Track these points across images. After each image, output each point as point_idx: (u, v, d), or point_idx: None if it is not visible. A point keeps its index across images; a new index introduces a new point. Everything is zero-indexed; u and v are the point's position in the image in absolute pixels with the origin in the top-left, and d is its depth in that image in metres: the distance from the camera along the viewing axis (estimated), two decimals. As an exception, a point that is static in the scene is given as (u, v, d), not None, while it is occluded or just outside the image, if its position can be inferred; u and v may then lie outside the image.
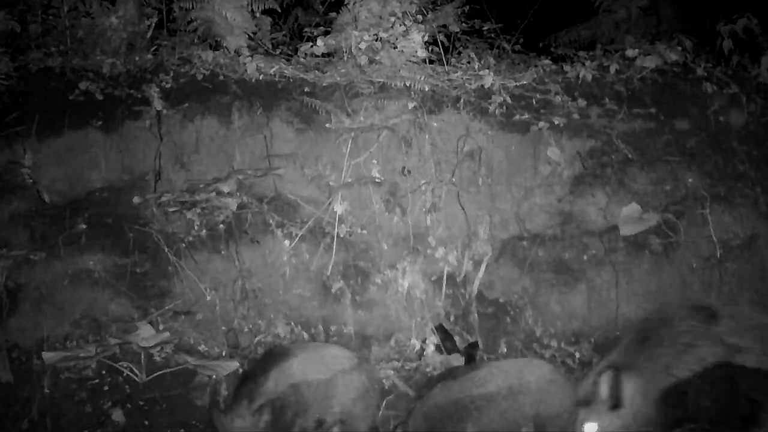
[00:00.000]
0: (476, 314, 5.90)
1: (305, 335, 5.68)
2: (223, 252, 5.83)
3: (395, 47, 6.42)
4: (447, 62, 6.69)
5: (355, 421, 4.37)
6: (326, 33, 6.69)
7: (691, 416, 3.65)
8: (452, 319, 5.90)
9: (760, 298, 5.94)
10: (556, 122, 6.18)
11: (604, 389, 3.59)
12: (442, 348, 5.67)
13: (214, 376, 5.25)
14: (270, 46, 7.18)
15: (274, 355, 4.53)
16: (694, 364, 3.68)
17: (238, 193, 5.85)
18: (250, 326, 5.67)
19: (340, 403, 4.31)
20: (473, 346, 5.72)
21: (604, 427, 3.58)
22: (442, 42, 6.75)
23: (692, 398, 3.65)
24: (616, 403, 3.59)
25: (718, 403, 3.66)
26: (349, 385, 4.35)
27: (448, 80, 6.44)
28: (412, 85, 6.20)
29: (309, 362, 4.37)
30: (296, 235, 5.88)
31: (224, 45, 6.66)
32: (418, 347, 5.71)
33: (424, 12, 6.75)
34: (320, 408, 4.26)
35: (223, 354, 5.51)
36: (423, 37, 6.43)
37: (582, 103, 6.31)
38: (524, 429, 4.20)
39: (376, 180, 6.05)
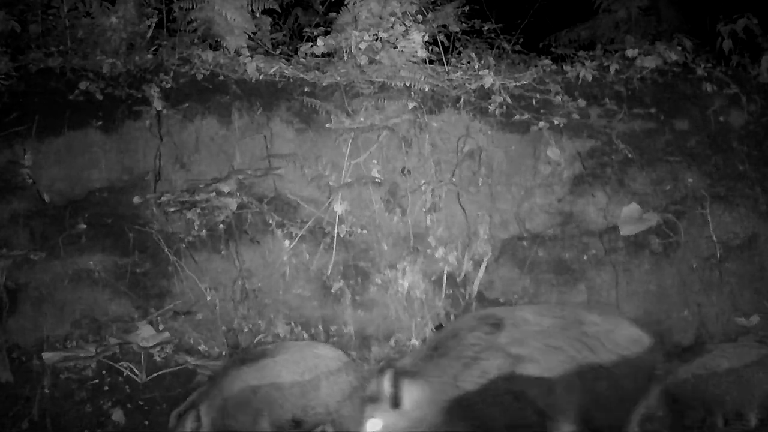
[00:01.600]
0: (476, 314, 5.90)
1: (305, 335, 5.68)
2: (223, 252, 5.83)
3: (395, 47, 6.42)
4: (447, 62, 6.69)
5: (345, 422, 4.38)
6: (326, 33, 6.69)
7: (480, 429, 3.63)
8: (452, 319, 5.89)
9: (760, 298, 5.94)
10: (556, 122, 6.18)
11: (386, 388, 3.58)
12: (442, 348, 5.66)
13: (214, 376, 5.24)
14: (270, 46, 7.18)
15: (245, 356, 4.55)
16: (480, 377, 3.64)
17: (238, 193, 5.84)
18: (250, 326, 5.67)
19: (325, 404, 4.32)
20: (473, 346, 5.71)
21: (388, 425, 3.57)
22: (442, 42, 6.75)
23: (479, 411, 3.63)
24: (395, 403, 3.58)
25: (506, 415, 3.64)
26: (334, 386, 4.36)
27: (448, 80, 6.44)
28: (412, 85, 6.20)
29: (287, 363, 4.37)
30: (296, 235, 5.88)
31: (224, 45, 6.65)
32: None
33: (424, 12, 6.75)
34: (296, 408, 4.27)
35: (223, 354, 5.52)
36: (423, 37, 6.43)
37: (582, 103, 6.31)
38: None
39: (376, 180, 6.05)
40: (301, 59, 6.64)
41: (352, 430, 4.27)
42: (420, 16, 6.61)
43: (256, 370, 4.29)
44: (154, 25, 6.85)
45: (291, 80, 6.33)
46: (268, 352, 4.46)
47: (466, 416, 3.64)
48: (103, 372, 5.28)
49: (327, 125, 6.12)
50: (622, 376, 3.88)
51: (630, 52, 6.52)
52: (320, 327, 5.77)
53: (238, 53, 6.55)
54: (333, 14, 6.98)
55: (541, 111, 6.27)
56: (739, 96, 6.45)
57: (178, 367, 5.25)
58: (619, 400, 3.87)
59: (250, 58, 6.42)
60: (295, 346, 4.77)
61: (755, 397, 4.42)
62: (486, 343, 3.74)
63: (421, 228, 6.08)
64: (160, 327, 5.50)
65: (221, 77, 6.29)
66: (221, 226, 5.83)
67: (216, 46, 6.69)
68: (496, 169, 6.23)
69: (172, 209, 5.82)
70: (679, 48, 6.54)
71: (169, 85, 6.16)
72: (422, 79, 6.24)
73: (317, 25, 6.84)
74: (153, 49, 6.62)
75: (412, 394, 3.61)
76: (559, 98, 6.32)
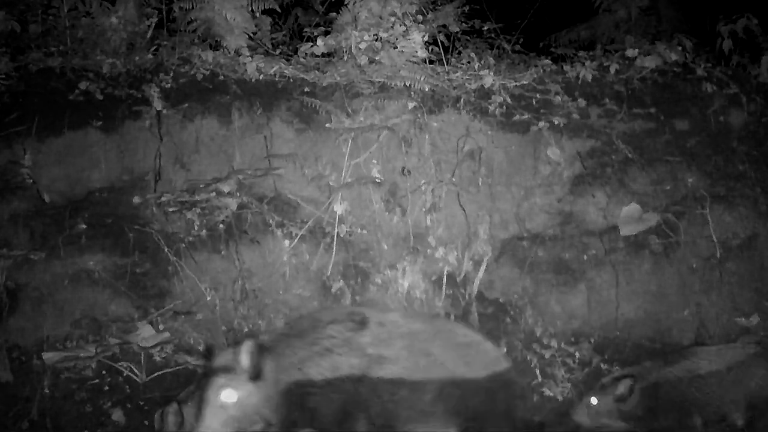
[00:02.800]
0: (476, 314, 5.90)
1: (305, 335, 5.68)
2: (223, 252, 5.83)
3: (395, 47, 6.41)
4: (447, 62, 6.69)
5: None
6: (326, 33, 6.69)
7: (310, 418, 3.58)
8: (452, 319, 5.89)
9: (760, 298, 5.94)
10: (556, 122, 6.18)
11: (244, 359, 3.49)
12: (442, 348, 5.67)
13: (214, 376, 5.23)
14: (270, 46, 7.18)
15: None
16: (328, 370, 3.59)
17: (238, 193, 5.84)
18: (250, 326, 5.67)
19: None
20: (473, 346, 5.72)
21: (242, 396, 3.47)
22: (442, 42, 6.75)
23: (316, 401, 3.57)
24: (256, 375, 3.49)
25: (341, 414, 3.59)
26: None
27: (448, 80, 6.44)
28: (412, 85, 6.20)
29: None
30: (296, 235, 5.88)
31: (224, 45, 6.65)
32: (418, 347, 5.70)
33: (424, 12, 6.75)
34: None
35: (223, 354, 5.51)
36: (423, 37, 6.43)
37: (582, 103, 6.31)
38: None
39: (376, 180, 6.05)
40: (301, 59, 6.64)
41: None
42: (420, 16, 6.61)
43: None
44: (154, 25, 6.85)
45: (291, 80, 6.33)
46: None
47: (302, 403, 3.56)
48: (103, 372, 5.28)
49: (327, 125, 6.12)
50: (494, 393, 3.89)
51: (630, 52, 6.52)
52: (320, 327, 5.76)
53: (238, 53, 6.55)
54: (333, 14, 6.98)
55: (541, 111, 6.27)
56: (739, 96, 6.45)
57: (178, 367, 5.25)
58: (492, 415, 3.87)
59: (250, 58, 6.42)
60: None
61: (741, 398, 4.40)
62: (344, 339, 3.69)
63: (421, 228, 6.08)
64: (160, 327, 5.50)
65: (221, 77, 6.29)
66: (221, 226, 5.83)
67: (216, 46, 6.69)
68: (496, 169, 6.23)
69: (172, 209, 5.82)
70: (679, 48, 6.54)
71: (169, 85, 6.16)
72: (422, 79, 6.24)
73: (317, 25, 6.84)
74: (153, 49, 6.62)
75: (266, 369, 3.53)
76: (559, 98, 6.32)
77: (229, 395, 3.48)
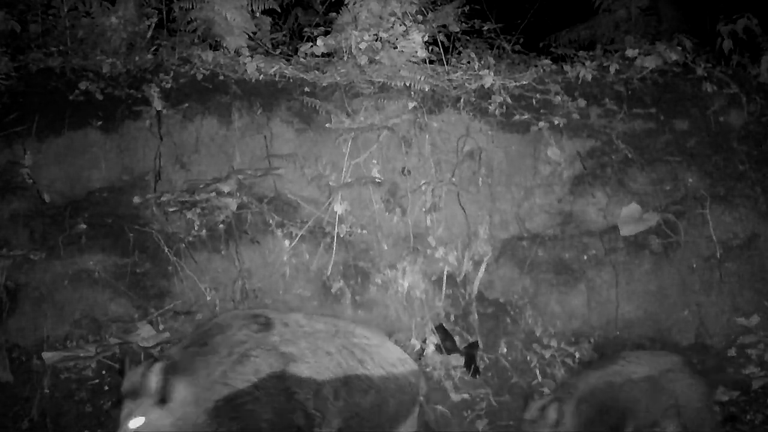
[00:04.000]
0: (476, 314, 5.90)
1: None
2: (223, 252, 5.83)
3: (395, 47, 6.41)
4: (447, 62, 6.69)
5: None
6: (326, 33, 6.69)
7: (248, 428, 3.54)
8: (452, 319, 5.89)
9: (760, 298, 5.94)
10: (556, 122, 6.18)
11: (152, 382, 3.41)
12: (442, 348, 5.68)
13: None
14: (270, 46, 7.18)
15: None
16: (251, 374, 3.56)
17: (238, 193, 5.84)
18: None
19: None
20: (473, 346, 5.72)
21: (152, 421, 3.40)
22: (442, 42, 6.75)
23: (250, 410, 3.53)
24: (163, 398, 3.41)
25: (277, 416, 3.57)
26: None
27: (448, 80, 6.44)
28: (412, 85, 6.20)
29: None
30: (296, 235, 5.88)
31: (224, 45, 6.66)
32: (418, 347, 5.70)
33: (424, 12, 6.75)
34: None
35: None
36: (423, 37, 6.43)
37: (582, 103, 6.31)
38: None
39: (376, 180, 6.05)
40: (301, 59, 6.64)
41: None
42: (420, 16, 6.61)
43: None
44: (154, 25, 6.86)
45: (291, 80, 6.33)
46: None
47: (236, 416, 3.52)
48: (103, 372, 5.28)
49: (327, 125, 6.13)
50: (388, 393, 3.87)
51: (630, 52, 6.52)
52: (320, 327, 5.77)
53: (238, 53, 6.55)
54: (333, 14, 6.99)
55: (541, 111, 6.27)
56: (739, 96, 6.45)
57: (178, 367, 5.24)
58: (382, 417, 3.85)
59: (250, 58, 6.42)
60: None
61: (671, 405, 4.36)
62: (256, 341, 3.67)
63: (421, 228, 6.08)
64: (160, 327, 5.50)
65: (221, 77, 6.29)
66: (221, 226, 5.83)
67: (216, 46, 6.70)
68: (496, 169, 6.23)
69: (172, 209, 5.82)
70: (679, 48, 6.54)
71: (169, 85, 6.16)
72: (422, 79, 6.24)
73: (317, 25, 6.84)
74: (153, 49, 6.62)
75: (179, 390, 3.46)
76: (559, 98, 6.32)
77: (137, 423, 3.41)
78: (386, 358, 3.98)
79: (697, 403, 4.46)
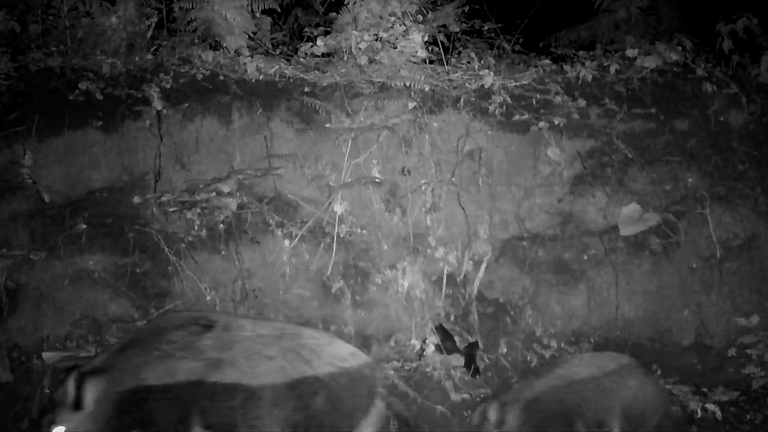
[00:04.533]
0: (476, 314, 5.90)
1: (305, 335, 5.68)
2: (223, 252, 5.83)
3: (395, 47, 6.41)
4: (447, 62, 6.69)
5: None
6: (326, 33, 6.69)
7: (146, 423, 3.47)
8: (452, 319, 5.90)
9: (760, 298, 5.94)
10: (556, 122, 6.18)
11: (70, 390, 3.41)
12: (442, 348, 5.68)
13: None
14: (270, 46, 7.18)
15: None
16: (166, 375, 3.48)
17: (238, 193, 5.84)
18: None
19: None
20: (473, 346, 5.72)
21: (71, 428, 3.39)
22: (442, 42, 6.75)
23: (150, 406, 3.46)
24: (77, 404, 3.40)
25: (177, 419, 3.49)
26: None
27: (448, 80, 6.44)
28: (412, 85, 6.20)
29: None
30: (296, 235, 5.88)
31: (224, 45, 6.65)
32: (418, 347, 5.71)
33: (424, 12, 6.75)
34: None
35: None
36: (423, 37, 6.43)
37: (582, 103, 6.31)
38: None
39: (376, 180, 6.05)
40: (301, 59, 6.64)
41: None
42: (420, 16, 6.61)
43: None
44: (154, 25, 6.85)
45: (291, 80, 6.33)
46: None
47: (137, 409, 3.46)
48: (103, 372, 5.27)
49: (327, 125, 6.12)
50: (340, 389, 3.75)
51: (630, 52, 6.52)
52: (320, 327, 5.77)
53: (238, 53, 6.55)
54: (333, 14, 6.98)
55: (541, 111, 6.26)
56: (739, 96, 6.44)
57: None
58: (337, 415, 3.74)
59: (250, 58, 6.42)
60: None
61: (616, 406, 4.33)
62: (185, 343, 3.60)
63: (421, 228, 6.08)
64: (160, 327, 5.49)
65: (221, 77, 6.29)
66: (221, 226, 5.83)
67: (216, 46, 6.69)
68: (496, 169, 6.23)
69: (172, 209, 5.82)
70: (679, 48, 6.54)
71: (169, 85, 6.16)
72: (422, 79, 6.24)
73: (317, 25, 6.84)
74: (153, 49, 6.61)
75: (94, 391, 3.43)
76: (559, 98, 6.31)
77: (58, 431, 3.42)
78: (336, 354, 3.86)
79: (646, 404, 4.44)
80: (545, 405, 4.21)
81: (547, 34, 8.11)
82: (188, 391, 3.49)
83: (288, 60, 6.74)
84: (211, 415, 3.52)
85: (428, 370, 5.52)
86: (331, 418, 3.72)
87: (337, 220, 5.92)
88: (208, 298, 5.70)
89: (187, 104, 6.12)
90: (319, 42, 6.49)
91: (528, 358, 5.70)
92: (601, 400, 4.32)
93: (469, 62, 6.70)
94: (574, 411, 4.23)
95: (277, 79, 6.32)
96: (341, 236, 5.92)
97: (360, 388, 3.86)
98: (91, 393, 3.42)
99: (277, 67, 6.41)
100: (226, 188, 5.77)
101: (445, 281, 5.94)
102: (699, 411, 5.09)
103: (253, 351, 3.66)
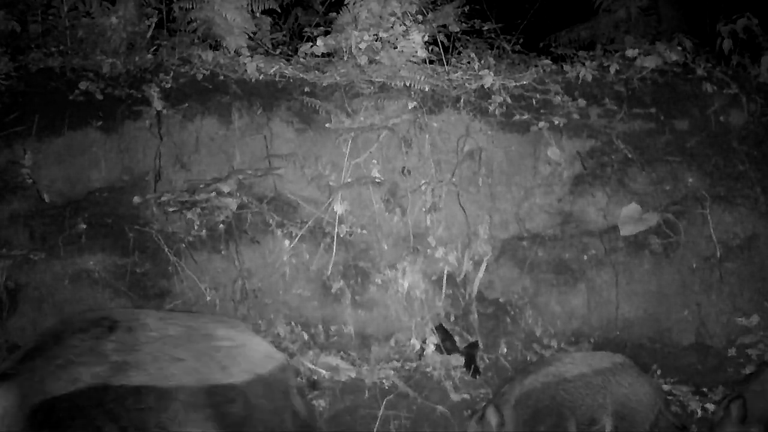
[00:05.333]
0: (476, 314, 5.90)
1: (305, 335, 5.69)
2: (223, 252, 5.83)
3: (395, 47, 6.41)
4: (447, 62, 6.69)
5: None
6: (326, 33, 6.69)
7: None
8: (452, 319, 5.90)
9: (760, 298, 5.94)
10: (556, 122, 6.18)
11: None
12: (442, 348, 5.68)
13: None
14: (270, 46, 7.18)
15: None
16: (70, 383, 3.35)
17: (238, 193, 5.85)
18: (250, 326, 5.66)
19: None
20: (473, 346, 5.72)
21: None
22: (442, 42, 6.75)
23: (59, 417, 3.34)
24: None
25: (88, 427, 3.36)
26: None
27: (448, 80, 6.44)
28: (412, 85, 6.20)
29: None
30: (296, 235, 5.88)
31: (224, 45, 6.65)
32: (418, 347, 5.71)
33: (424, 12, 6.75)
34: None
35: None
36: (423, 37, 6.42)
37: (582, 103, 6.31)
38: None
39: (376, 180, 6.05)
40: (301, 59, 6.64)
41: None
42: (420, 16, 6.61)
43: None
44: (154, 25, 6.85)
45: (291, 80, 6.33)
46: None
47: (52, 425, 3.35)
48: (103, 372, 5.27)
49: (327, 125, 6.13)
50: (257, 396, 3.66)
51: (630, 52, 6.52)
52: (320, 327, 5.77)
53: (238, 53, 6.55)
54: (333, 14, 6.99)
55: (541, 111, 6.26)
56: (739, 96, 6.44)
57: (177, 367, 5.23)
58: (254, 422, 3.65)
59: (250, 58, 6.43)
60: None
61: (608, 403, 4.33)
62: (87, 348, 3.50)
63: (421, 228, 6.08)
64: (160, 327, 5.49)
65: (221, 77, 6.29)
66: (221, 226, 5.83)
67: (216, 46, 6.69)
68: (496, 169, 6.23)
69: (172, 209, 5.82)
70: (679, 48, 6.54)
71: (169, 85, 6.16)
72: (422, 79, 6.24)
73: (317, 25, 6.84)
74: (153, 49, 6.62)
75: (5, 397, 3.35)
76: (559, 98, 6.31)
77: None
78: (252, 359, 3.77)
79: (639, 403, 4.44)
80: (536, 401, 4.22)
81: (547, 34, 8.11)
82: (95, 396, 3.39)
83: (288, 60, 6.74)
84: (122, 418, 3.41)
85: (428, 370, 5.52)
86: (247, 425, 3.62)
87: (337, 220, 5.93)
88: (208, 298, 5.70)
89: (187, 104, 6.12)
90: (319, 42, 6.49)
91: (528, 358, 5.69)
92: (592, 397, 4.32)
93: (469, 62, 6.70)
94: (565, 407, 4.24)
95: (277, 79, 6.32)
96: (341, 236, 5.92)
97: (275, 393, 3.78)
98: (5, 400, 3.35)
99: (277, 67, 6.41)
100: (226, 188, 5.78)
101: (445, 281, 5.94)
102: (699, 411, 5.08)
103: (161, 352, 3.57)
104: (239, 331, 4.02)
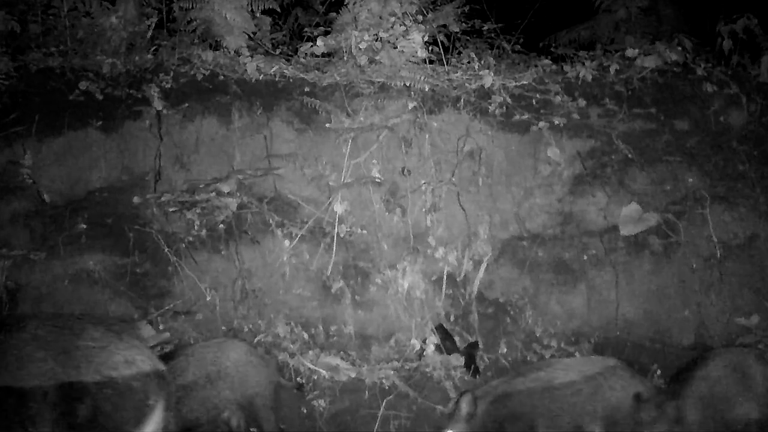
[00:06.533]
0: (476, 314, 5.90)
1: (305, 335, 5.69)
2: (223, 252, 5.83)
3: (395, 47, 6.42)
4: (447, 62, 6.69)
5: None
6: (326, 33, 6.69)
7: None
8: (452, 319, 5.90)
9: (760, 298, 5.94)
10: (556, 122, 6.18)
11: None
12: (442, 348, 5.68)
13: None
14: (270, 46, 7.18)
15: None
16: None
17: (238, 193, 5.85)
18: (250, 326, 5.67)
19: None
20: (473, 346, 5.72)
21: None
22: (442, 42, 6.75)
23: None
24: None
25: None
26: None
27: (448, 80, 6.44)
28: (412, 85, 6.20)
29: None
30: (296, 235, 5.88)
31: (224, 45, 6.66)
32: (418, 347, 5.71)
33: (424, 12, 6.75)
34: None
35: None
36: (423, 37, 6.43)
37: (582, 103, 6.31)
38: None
39: (376, 180, 6.06)
40: (301, 59, 6.64)
41: None
42: (420, 16, 6.61)
43: None
44: (154, 25, 6.85)
45: (291, 80, 6.34)
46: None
47: None
48: (103, 372, 5.27)
49: (327, 125, 6.13)
50: (105, 399, 3.63)
51: (630, 52, 6.52)
52: (320, 327, 5.77)
53: (238, 53, 6.56)
54: (333, 14, 6.98)
55: (541, 111, 6.27)
56: (739, 96, 6.45)
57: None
58: (103, 427, 3.62)
59: (250, 58, 6.43)
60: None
61: (598, 409, 4.34)
62: None
63: (421, 228, 6.08)
64: (160, 327, 5.50)
65: (221, 77, 6.29)
66: (221, 226, 5.83)
67: (216, 46, 6.70)
68: (496, 169, 6.23)
69: (172, 209, 5.82)
70: (679, 48, 6.54)
71: (169, 85, 6.17)
72: (422, 79, 6.24)
73: (317, 25, 6.85)
74: (153, 49, 6.62)
75: None
76: (559, 98, 6.32)
77: None
78: (107, 361, 3.72)
79: (631, 408, 4.43)
80: (515, 404, 4.22)
81: (547, 34, 8.11)
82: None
83: (288, 60, 6.74)
84: None
85: (428, 370, 5.52)
86: (95, 426, 3.61)
87: (337, 220, 5.93)
88: (208, 298, 5.70)
89: (187, 104, 6.13)
90: (319, 42, 6.50)
91: (528, 358, 5.69)
92: (581, 405, 4.32)
93: (469, 62, 6.70)
94: (541, 415, 4.23)
95: (277, 79, 6.32)
96: (341, 236, 5.92)
97: (126, 401, 3.72)
98: None
99: (277, 67, 6.41)
100: (226, 188, 5.78)
101: (445, 281, 5.94)
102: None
103: (26, 353, 3.59)
104: (110, 334, 3.94)
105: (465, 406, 4.18)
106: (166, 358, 4.43)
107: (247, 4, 6.87)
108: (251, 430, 4.38)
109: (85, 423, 3.58)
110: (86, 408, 3.59)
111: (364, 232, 6.03)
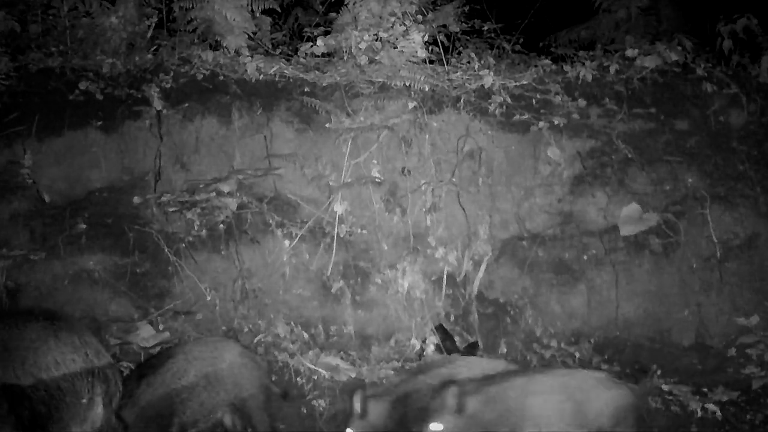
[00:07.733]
0: (476, 314, 5.90)
1: (305, 335, 5.68)
2: (223, 252, 5.83)
3: (395, 47, 6.42)
4: (447, 62, 6.69)
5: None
6: (326, 33, 6.69)
7: None
8: (452, 319, 5.90)
9: (760, 298, 5.94)
10: (556, 122, 6.18)
11: None
12: (442, 348, 5.67)
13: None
14: (270, 46, 7.18)
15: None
16: None
17: (238, 193, 5.85)
18: (250, 326, 5.67)
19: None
20: (473, 346, 5.71)
21: None
22: (442, 42, 6.75)
23: None
24: None
25: None
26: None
27: (448, 80, 6.44)
28: (412, 85, 6.20)
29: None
30: (296, 235, 5.88)
31: (224, 45, 6.66)
32: (418, 347, 5.70)
33: (424, 12, 6.75)
34: None
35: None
36: (423, 37, 6.43)
37: (582, 103, 6.31)
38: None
39: (376, 180, 6.06)
40: (301, 59, 6.64)
41: None
42: (420, 16, 6.61)
43: None
44: (154, 25, 6.86)
45: (291, 80, 6.34)
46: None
47: None
48: (103, 372, 5.27)
49: (327, 125, 6.13)
50: (39, 402, 3.64)
51: (630, 52, 6.52)
52: (320, 327, 5.77)
53: (238, 53, 6.56)
54: (333, 14, 6.99)
55: (541, 111, 6.27)
56: (739, 96, 6.45)
57: (177, 367, 5.22)
58: (45, 427, 3.65)
59: (250, 58, 6.43)
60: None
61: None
62: None
63: (421, 228, 6.08)
64: (160, 327, 5.49)
65: (221, 77, 6.29)
66: (221, 226, 5.83)
67: (216, 46, 6.70)
68: (496, 169, 6.23)
69: (172, 209, 5.82)
70: (679, 48, 6.54)
71: (169, 85, 6.17)
72: (422, 79, 6.24)
73: (317, 25, 6.85)
74: (153, 49, 6.63)
75: None
76: (559, 98, 6.32)
77: None
78: (37, 363, 3.71)
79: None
80: (413, 402, 4.16)
81: (547, 34, 8.11)
82: None
83: (288, 60, 6.74)
84: None
85: (428, 370, 5.52)
86: (39, 429, 3.64)
87: (337, 220, 5.92)
88: (208, 298, 5.70)
89: (187, 104, 6.13)
90: (319, 42, 6.50)
91: (528, 358, 5.69)
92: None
93: (469, 62, 6.70)
94: (434, 411, 4.17)
95: (277, 79, 6.32)
96: (341, 236, 5.92)
97: (58, 403, 3.71)
98: None
99: (277, 67, 6.41)
100: (226, 188, 5.78)
101: (445, 281, 5.94)
102: (699, 411, 5.07)
103: None
104: (45, 332, 3.87)
105: (357, 404, 4.13)
106: (162, 354, 4.48)
107: (247, 4, 6.87)
108: (247, 431, 4.39)
109: (29, 425, 3.61)
110: (27, 410, 3.62)
111: (364, 232, 6.03)
